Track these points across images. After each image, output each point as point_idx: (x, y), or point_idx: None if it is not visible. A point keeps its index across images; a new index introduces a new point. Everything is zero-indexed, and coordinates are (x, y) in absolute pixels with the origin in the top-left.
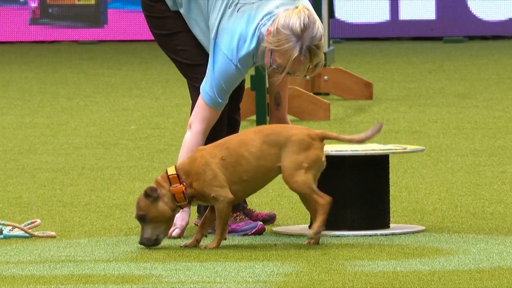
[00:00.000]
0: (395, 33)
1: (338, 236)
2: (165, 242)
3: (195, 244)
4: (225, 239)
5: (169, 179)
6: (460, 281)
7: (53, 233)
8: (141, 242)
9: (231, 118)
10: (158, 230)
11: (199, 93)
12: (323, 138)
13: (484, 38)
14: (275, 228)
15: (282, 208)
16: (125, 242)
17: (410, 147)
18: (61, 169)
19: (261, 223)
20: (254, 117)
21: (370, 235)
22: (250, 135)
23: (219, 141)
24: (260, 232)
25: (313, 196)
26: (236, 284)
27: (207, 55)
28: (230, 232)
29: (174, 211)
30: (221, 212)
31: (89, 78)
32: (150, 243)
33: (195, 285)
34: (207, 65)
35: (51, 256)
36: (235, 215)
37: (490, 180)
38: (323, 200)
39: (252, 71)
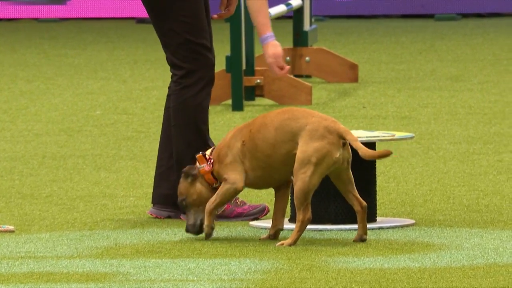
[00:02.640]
0: (382, 10)
1: (320, 230)
2: (135, 236)
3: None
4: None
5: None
6: (452, 278)
7: (11, 227)
8: (186, 230)
9: None
10: (201, 215)
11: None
12: (342, 136)
13: (479, 15)
14: (252, 222)
15: (261, 201)
16: (90, 237)
17: (398, 134)
18: (20, 157)
19: (267, 204)
20: (229, 102)
21: (355, 229)
22: (272, 116)
23: (252, 120)
24: (266, 214)
25: (299, 208)
26: (210, 282)
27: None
28: (236, 216)
29: (212, 192)
30: (223, 193)
31: (51, 59)
32: (195, 230)
33: (165, 283)
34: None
35: (9, 252)
36: (238, 201)
37: (485, 169)
38: (303, 216)
39: (228, 52)
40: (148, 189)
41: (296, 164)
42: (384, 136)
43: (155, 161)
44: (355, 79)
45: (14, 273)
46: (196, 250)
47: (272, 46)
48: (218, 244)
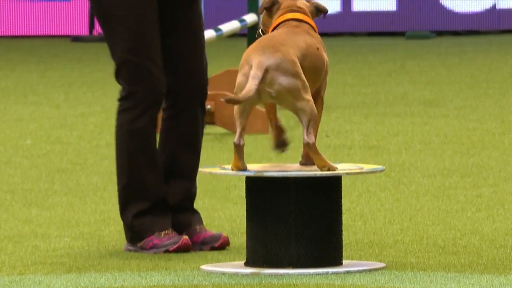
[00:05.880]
0: (347, 28)
1: (280, 274)
2: (70, 282)
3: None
4: None
5: None
6: None
7: None
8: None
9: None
10: None
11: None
12: None
13: (455, 33)
14: (203, 266)
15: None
16: (20, 283)
17: (366, 167)
18: None
19: (186, 237)
20: None
21: (319, 274)
22: None
23: None
24: (183, 248)
25: None
26: None
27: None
28: (151, 248)
29: None
30: None
31: None
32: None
33: None
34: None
35: None
36: (163, 232)
37: (463, 206)
38: None
39: None
40: (85, 228)
41: None
42: (350, 169)
43: (92, 196)
44: None
45: None
46: None
47: None
48: None
